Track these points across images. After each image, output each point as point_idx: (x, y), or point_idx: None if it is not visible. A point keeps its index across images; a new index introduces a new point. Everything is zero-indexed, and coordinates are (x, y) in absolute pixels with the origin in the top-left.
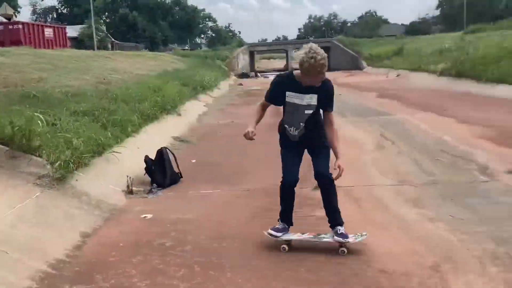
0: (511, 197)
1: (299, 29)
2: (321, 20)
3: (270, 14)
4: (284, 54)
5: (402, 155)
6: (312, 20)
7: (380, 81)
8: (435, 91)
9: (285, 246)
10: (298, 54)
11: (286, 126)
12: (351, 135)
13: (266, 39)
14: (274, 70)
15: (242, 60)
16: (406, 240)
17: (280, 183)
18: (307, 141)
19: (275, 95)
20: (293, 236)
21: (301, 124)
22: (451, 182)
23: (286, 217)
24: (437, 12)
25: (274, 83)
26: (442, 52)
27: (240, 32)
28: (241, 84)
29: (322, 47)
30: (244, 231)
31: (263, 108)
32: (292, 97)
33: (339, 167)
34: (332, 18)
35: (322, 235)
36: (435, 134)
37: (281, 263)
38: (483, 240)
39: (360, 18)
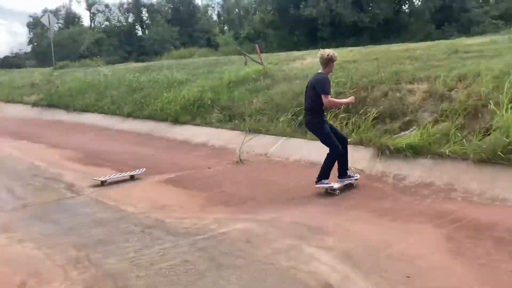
0: (91, 207)
1: None
2: None
3: None
4: None
5: None
6: None
7: None
8: (29, 120)
9: (338, 191)
10: (327, 53)
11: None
12: None
13: None
14: None
15: None
16: None
17: (331, 153)
18: None
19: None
20: (337, 185)
21: None
22: (42, 203)
23: (328, 174)
24: (29, 48)
25: (327, 81)
26: (34, 85)
27: None
28: None
29: None
30: None
31: None
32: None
33: None
34: None
35: (344, 180)
36: (28, 160)
37: None
38: (66, 249)
39: None
